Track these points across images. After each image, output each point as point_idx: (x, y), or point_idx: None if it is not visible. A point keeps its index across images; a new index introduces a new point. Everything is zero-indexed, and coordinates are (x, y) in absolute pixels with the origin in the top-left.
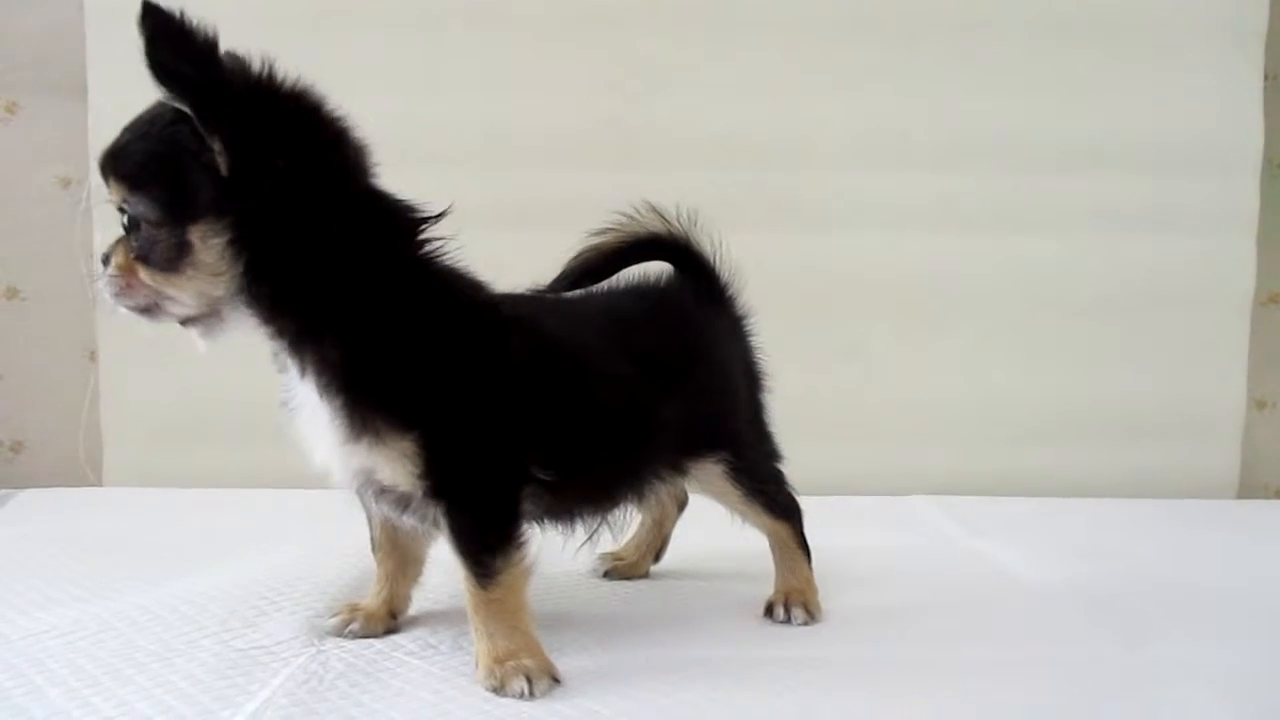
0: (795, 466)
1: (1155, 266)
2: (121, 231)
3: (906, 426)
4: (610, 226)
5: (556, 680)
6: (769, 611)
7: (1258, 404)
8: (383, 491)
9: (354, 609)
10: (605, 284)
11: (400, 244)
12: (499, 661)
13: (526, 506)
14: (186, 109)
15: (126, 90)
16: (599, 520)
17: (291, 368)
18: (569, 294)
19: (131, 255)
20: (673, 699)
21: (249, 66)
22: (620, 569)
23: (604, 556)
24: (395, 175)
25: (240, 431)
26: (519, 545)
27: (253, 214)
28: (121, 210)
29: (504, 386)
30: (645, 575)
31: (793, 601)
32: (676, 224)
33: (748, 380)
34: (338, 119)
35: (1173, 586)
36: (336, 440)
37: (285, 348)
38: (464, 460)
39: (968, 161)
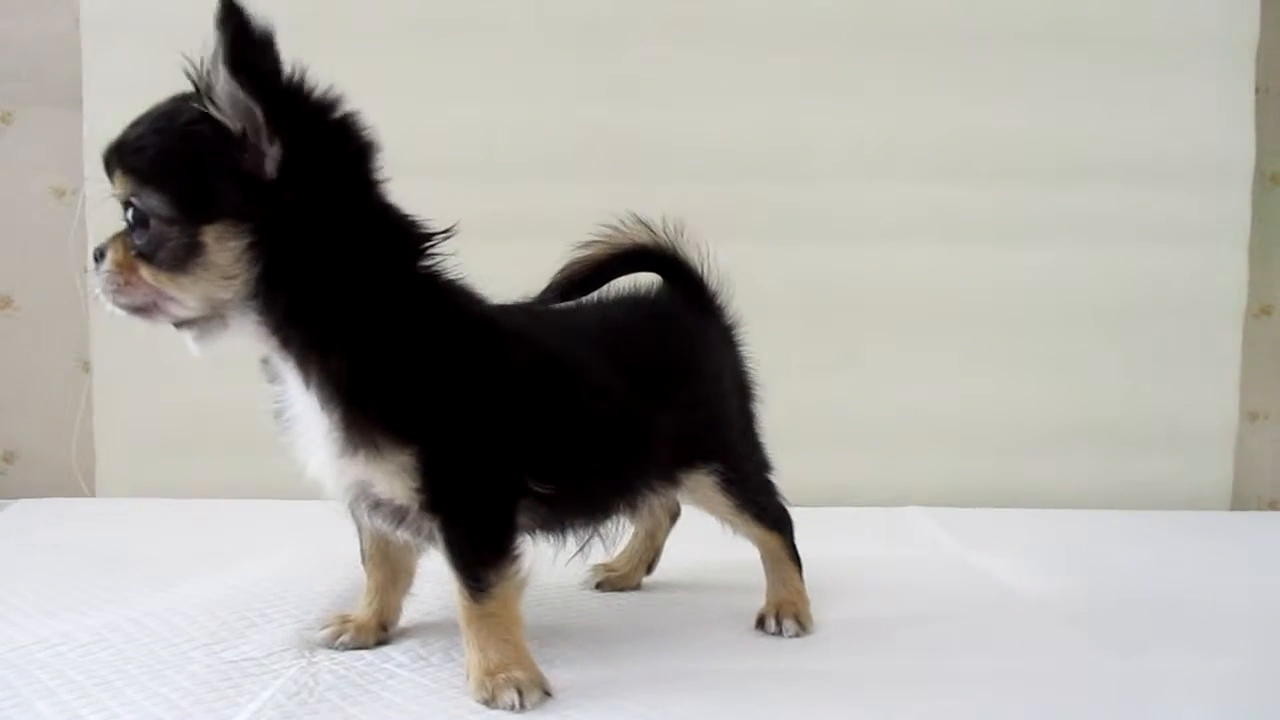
0: (788, 477)
1: (1148, 278)
2: (118, 227)
3: (900, 437)
4: (597, 238)
5: (548, 693)
6: (760, 623)
7: (1250, 416)
8: (377, 505)
9: (345, 620)
10: (595, 295)
11: (408, 258)
12: (490, 674)
13: (522, 519)
14: (260, 108)
15: (121, 101)
16: (591, 532)
17: (291, 378)
18: (559, 305)
19: (132, 252)
20: (663, 711)
21: (293, 71)
22: (612, 581)
23: (596, 568)
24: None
25: (233, 443)
26: (514, 559)
27: (278, 220)
28: (127, 205)
29: (502, 401)
30: (637, 587)
31: (784, 613)
32: (663, 234)
33: (738, 391)
34: (366, 130)
35: (1166, 598)
36: (333, 453)
37: (290, 358)
38: (462, 475)
39: (960, 173)
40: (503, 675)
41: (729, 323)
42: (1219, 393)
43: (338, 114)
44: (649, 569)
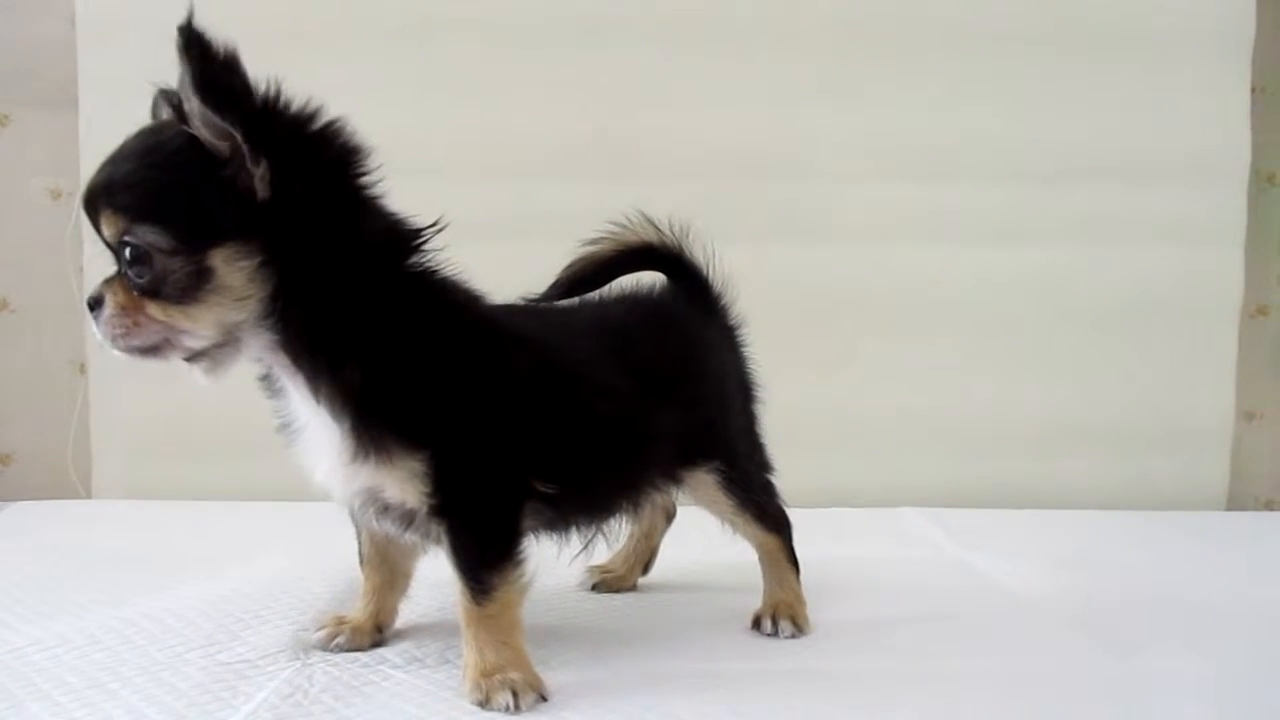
0: (786, 478)
1: (1144, 278)
2: (109, 273)
3: (897, 438)
4: (603, 236)
5: (543, 696)
6: (756, 624)
7: (1246, 415)
8: (386, 509)
9: (340, 622)
10: (597, 293)
11: (402, 258)
12: (486, 675)
13: (527, 521)
14: (236, 131)
15: (117, 104)
16: (595, 530)
17: (298, 392)
18: (562, 304)
19: (135, 291)
20: (659, 712)
21: (264, 87)
22: (608, 582)
23: (592, 569)
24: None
25: (229, 445)
26: (517, 563)
27: (284, 234)
28: (122, 245)
29: (507, 404)
30: (633, 588)
31: (780, 614)
32: (669, 234)
33: (740, 390)
34: (349, 136)
35: (1162, 598)
36: (343, 460)
37: (299, 373)
38: (470, 478)
39: (957, 173)
40: (499, 677)
41: (732, 323)
42: (1215, 393)
43: (317, 125)
44: (645, 570)
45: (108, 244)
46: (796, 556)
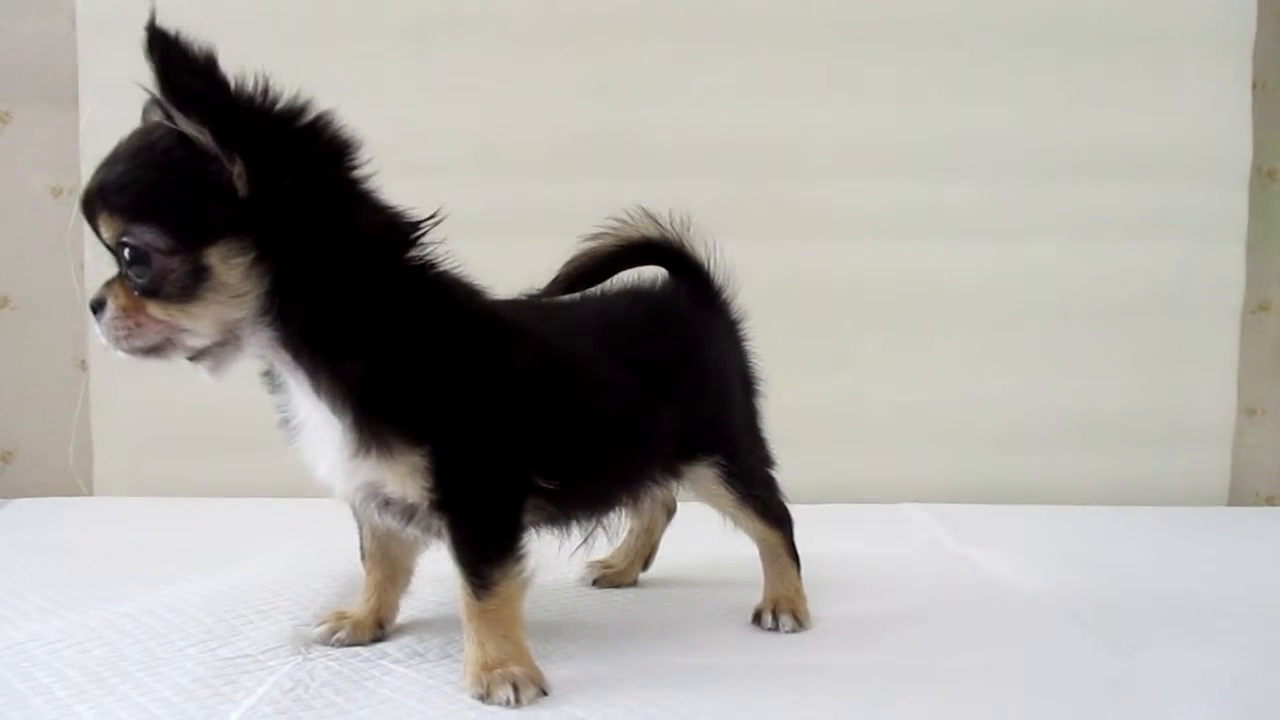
0: (787, 473)
1: (1146, 274)
2: (110, 273)
3: (898, 433)
4: (605, 231)
5: (544, 690)
6: (757, 619)
7: (1247, 412)
8: (387, 504)
9: (341, 617)
10: (599, 288)
11: (400, 251)
12: (486, 669)
13: (528, 517)
14: (205, 131)
15: (118, 101)
16: (594, 524)
17: (299, 387)
18: (564, 298)
19: (136, 292)
20: (660, 707)
21: (248, 83)
22: (609, 577)
23: (592, 565)
24: (385, 183)
25: (229, 442)
26: (518, 558)
27: (275, 230)
28: (121, 246)
29: (509, 399)
30: (634, 583)
31: (781, 609)
32: (670, 229)
33: (742, 385)
34: (338, 130)
35: (1163, 593)
36: (345, 455)
37: (300, 368)
38: (471, 474)
39: (958, 169)
40: (499, 671)
41: (734, 318)
42: (1217, 389)
43: (303, 120)
44: (645, 565)
45: (107, 246)
46: (797, 551)
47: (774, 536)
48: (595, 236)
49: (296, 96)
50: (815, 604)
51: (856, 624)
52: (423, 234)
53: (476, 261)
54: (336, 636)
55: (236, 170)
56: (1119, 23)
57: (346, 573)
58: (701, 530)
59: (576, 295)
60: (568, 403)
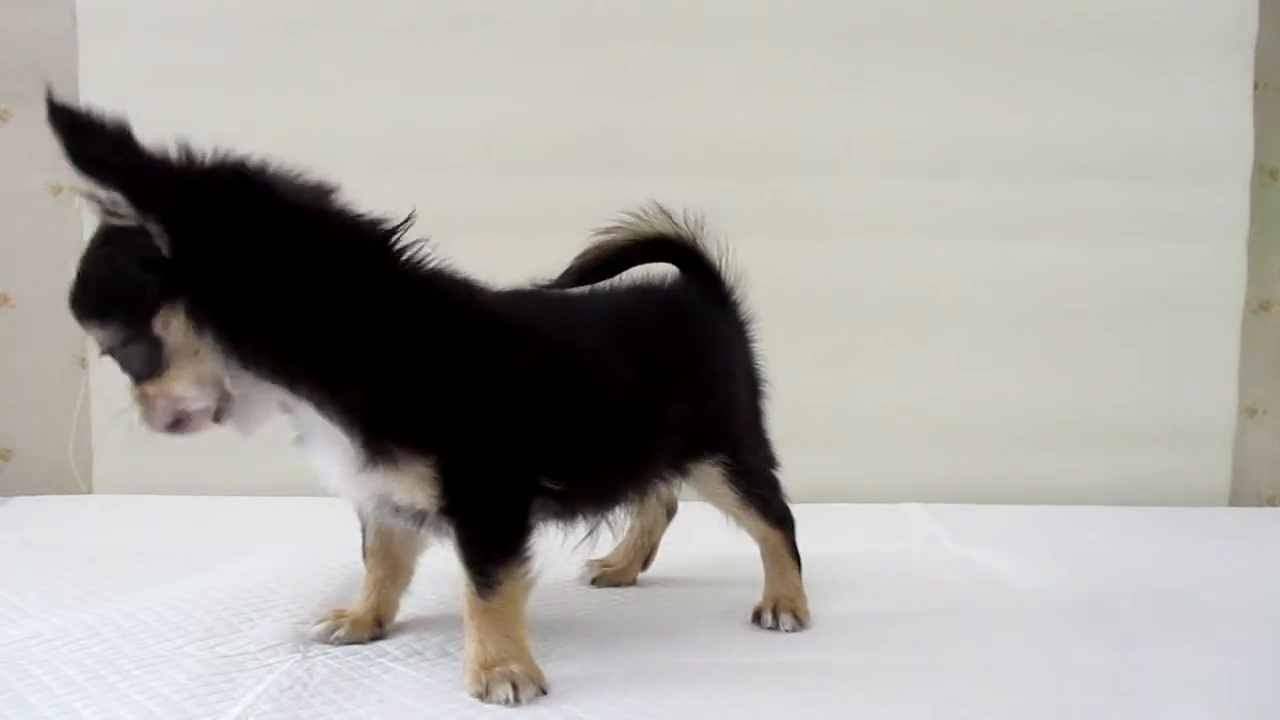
0: (787, 473)
1: (1146, 274)
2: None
3: (898, 433)
4: (618, 225)
5: (543, 689)
6: (757, 618)
7: (1249, 411)
8: (397, 510)
9: (340, 615)
10: (608, 283)
11: (378, 262)
12: (486, 667)
13: (535, 517)
14: (120, 197)
15: (118, 98)
16: (600, 520)
17: (307, 411)
18: (572, 291)
19: (134, 381)
20: (659, 705)
21: (166, 147)
22: (608, 576)
23: (592, 564)
24: (385, 181)
25: (229, 441)
26: (524, 559)
27: (205, 281)
28: (101, 346)
29: (511, 400)
30: (633, 583)
31: (781, 608)
32: (685, 226)
33: (748, 385)
34: (263, 169)
35: (1163, 594)
36: (354, 469)
37: (304, 398)
38: (477, 479)
39: (959, 169)
40: (499, 669)
41: (743, 318)
42: (1218, 389)
43: (224, 169)
44: (645, 565)
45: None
46: (798, 551)
47: (776, 536)
48: (609, 230)
49: (220, 151)
50: (815, 603)
51: (856, 623)
52: (397, 239)
53: (476, 259)
54: (335, 634)
55: (155, 231)
56: (1121, 23)
57: (345, 571)
58: (701, 530)
59: (586, 289)
60: (572, 400)
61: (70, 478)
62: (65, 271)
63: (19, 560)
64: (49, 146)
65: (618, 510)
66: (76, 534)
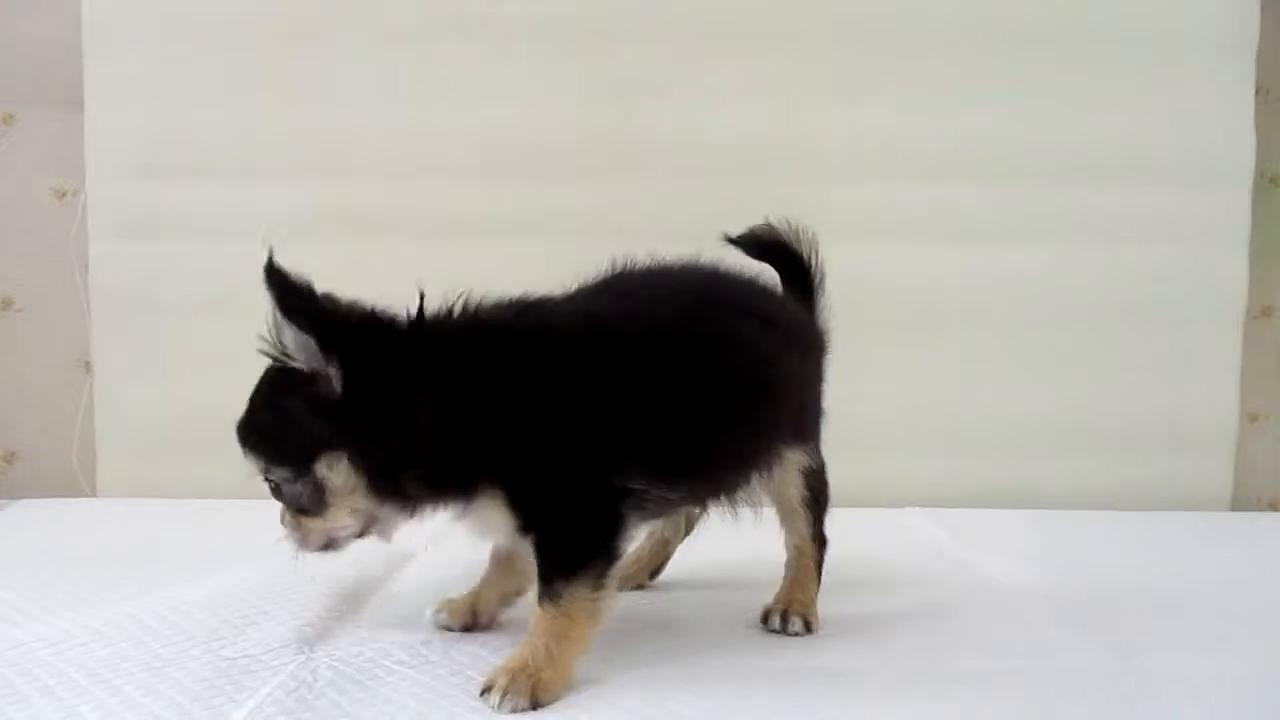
0: None
1: (1148, 279)
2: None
3: (900, 438)
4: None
5: (536, 705)
6: (765, 619)
7: (1250, 417)
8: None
9: (447, 602)
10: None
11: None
12: (507, 668)
13: (618, 535)
14: (311, 339)
15: (122, 104)
16: (707, 511)
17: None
18: (671, 269)
19: (290, 510)
20: (660, 709)
21: (333, 299)
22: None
23: None
24: (388, 186)
25: (233, 443)
26: (594, 579)
27: (361, 427)
28: (266, 480)
29: (568, 417)
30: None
31: (793, 611)
32: (798, 236)
33: (816, 401)
34: (371, 308)
35: (1166, 598)
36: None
37: (427, 506)
38: (546, 498)
39: (960, 173)
40: (514, 673)
41: (824, 331)
42: (1219, 393)
43: (357, 314)
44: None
45: None
46: (821, 573)
47: (811, 549)
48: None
49: (347, 300)
50: (818, 607)
51: (858, 628)
52: (418, 323)
53: (480, 262)
54: (434, 616)
55: (333, 371)
56: (1122, 28)
57: (351, 574)
58: (705, 533)
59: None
60: (649, 394)
61: (74, 481)
62: (69, 274)
63: (23, 563)
64: (52, 150)
65: (725, 496)
66: (80, 537)
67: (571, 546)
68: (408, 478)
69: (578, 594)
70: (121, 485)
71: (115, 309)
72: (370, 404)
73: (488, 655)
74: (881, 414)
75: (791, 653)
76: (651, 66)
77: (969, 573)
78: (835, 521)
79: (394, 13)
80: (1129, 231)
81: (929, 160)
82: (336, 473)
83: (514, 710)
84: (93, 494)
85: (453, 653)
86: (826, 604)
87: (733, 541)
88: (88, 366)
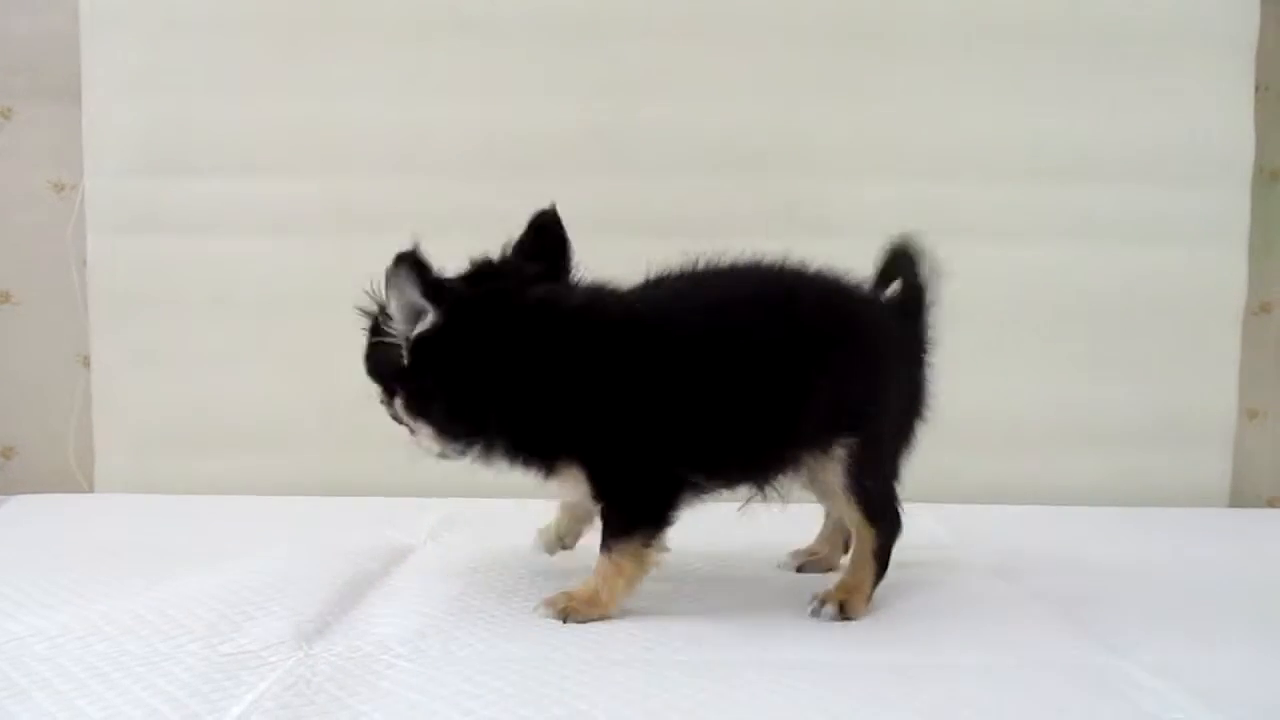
0: None
1: (1147, 276)
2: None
3: None
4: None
5: (567, 617)
6: (810, 601)
7: (1249, 413)
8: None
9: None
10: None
11: (530, 317)
12: (569, 593)
13: (673, 509)
14: (428, 303)
15: (120, 97)
16: (754, 491)
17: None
18: (724, 268)
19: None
20: (662, 701)
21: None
22: (815, 563)
23: (796, 553)
24: (387, 181)
25: (232, 439)
26: (645, 538)
27: (418, 378)
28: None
29: (634, 403)
30: (834, 568)
31: (831, 597)
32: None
33: (910, 398)
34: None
35: (1164, 594)
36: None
37: (503, 457)
38: (615, 474)
39: (958, 170)
40: (570, 599)
41: (925, 335)
42: (1218, 390)
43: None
44: (846, 549)
45: None
46: (888, 559)
47: (868, 533)
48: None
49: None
50: (865, 596)
51: (856, 623)
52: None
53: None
54: (537, 544)
55: (432, 316)
56: (1122, 25)
57: (348, 569)
58: (701, 527)
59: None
60: (701, 386)
61: (72, 476)
62: (66, 269)
63: (21, 558)
64: (50, 144)
65: (773, 479)
66: (78, 532)
67: (631, 515)
68: (480, 442)
69: (627, 549)
70: (119, 480)
71: (113, 304)
72: (429, 370)
73: (485, 650)
74: None
75: (787, 646)
76: (652, 63)
77: (967, 568)
78: None
79: (394, 8)
80: (1128, 228)
81: (927, 157)
82: (398, 408)
83: (544, 616)
84: (90, 489)
85: (451, 646)
86: None
87: (725, 536)
88: (85, 361)
